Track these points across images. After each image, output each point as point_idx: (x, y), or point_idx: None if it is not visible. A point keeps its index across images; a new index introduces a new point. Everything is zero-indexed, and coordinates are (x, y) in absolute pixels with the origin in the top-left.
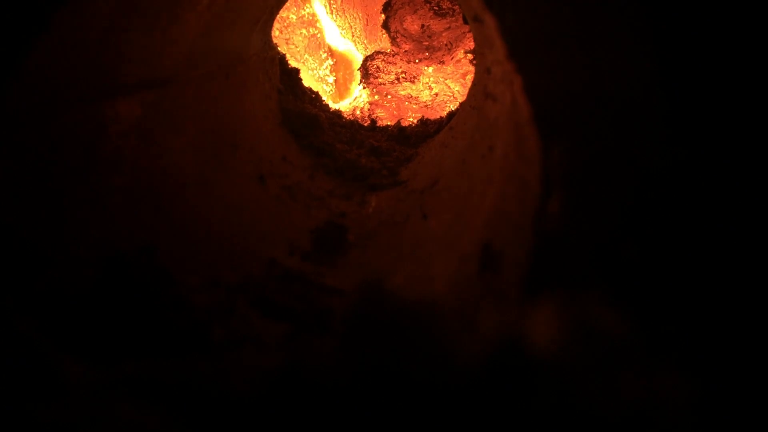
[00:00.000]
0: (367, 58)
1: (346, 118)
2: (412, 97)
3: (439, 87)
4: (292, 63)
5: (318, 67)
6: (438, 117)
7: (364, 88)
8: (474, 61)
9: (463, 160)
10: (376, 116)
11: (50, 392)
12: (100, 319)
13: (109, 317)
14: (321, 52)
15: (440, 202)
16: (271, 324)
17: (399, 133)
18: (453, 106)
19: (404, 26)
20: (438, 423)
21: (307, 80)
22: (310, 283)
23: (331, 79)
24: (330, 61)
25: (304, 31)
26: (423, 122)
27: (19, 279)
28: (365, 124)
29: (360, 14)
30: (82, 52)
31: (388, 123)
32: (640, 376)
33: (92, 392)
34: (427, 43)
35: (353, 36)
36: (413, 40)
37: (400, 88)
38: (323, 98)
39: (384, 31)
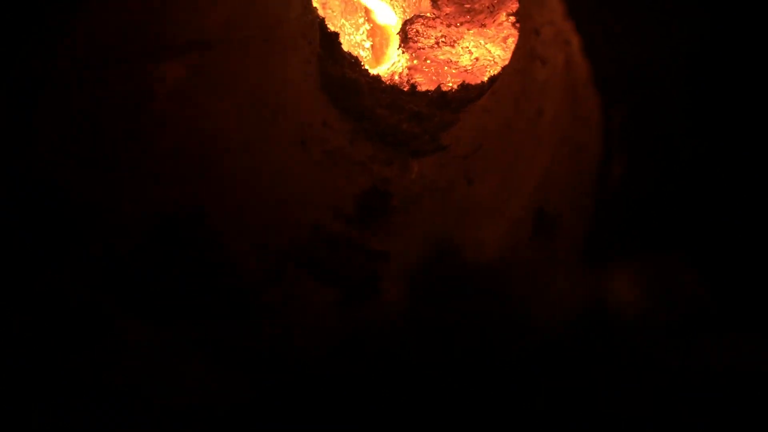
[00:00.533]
0: (407, 22)
1: (385, 83)
2: (451, 61)
3: (480, 51)
4: (331, 27)
5: (354, 32)
6: (479, 82)
7: (403, 52)
8: (517, 24)
9: (507, 124)
10: (415, 81)
11: (118, 353)
12: (156, 282)
13: (164, 280)
14: (358, 17)
15: (485, 167)
16: (321, 288)
17: (440, 98)
18: (494, 71)
19: None
20: (522, 385)
21: (344, 46)
22: (356, 246)
23: (367, 44)
24: (367, 26)
25: None
26: (464, 87)
27: (75, 243)
28: (405, 89)
29: None
30: (127, 14)
31: (428, 89)
32: (723, 339)
33: (158, 352)
34: (468, 6)
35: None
36: (454, 3)
37: (439, 52)
38: (362, 63)
39: None
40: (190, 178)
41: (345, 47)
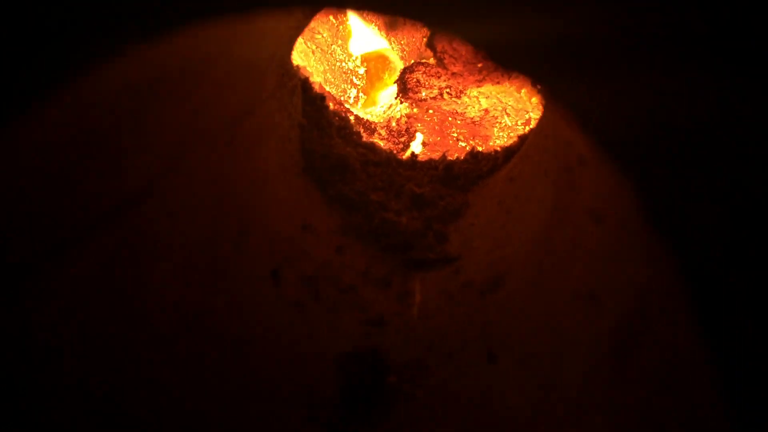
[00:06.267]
0: (406, 71)
1: (380, 150)
2: (457, 113)
3: (489, 102)
4: (316, 79)
5: (347, 59)
6: (491, 150)
7: (401, 102)
8: (541, 88)
9: (539, 263)
10: (415, 130)
11: None
12: None
13: None
14: (350, 42)
15: (511, 336)
16: None
17: (445, 172)
18: (504, 122)
19: (454, 46)
20: None
21: (336, 72)
22: None
23: (361, 70)
24: (361, 51)
25: (331, 18)
26: (473, 156)
27: None
28: (403, 158)
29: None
30: None
31: (431, 154)
32: None
33: None
34: (481, 65)
35: (387, 34)
36: (463, 62)
37: (443, 103)
38: (353, 111)
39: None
40: None
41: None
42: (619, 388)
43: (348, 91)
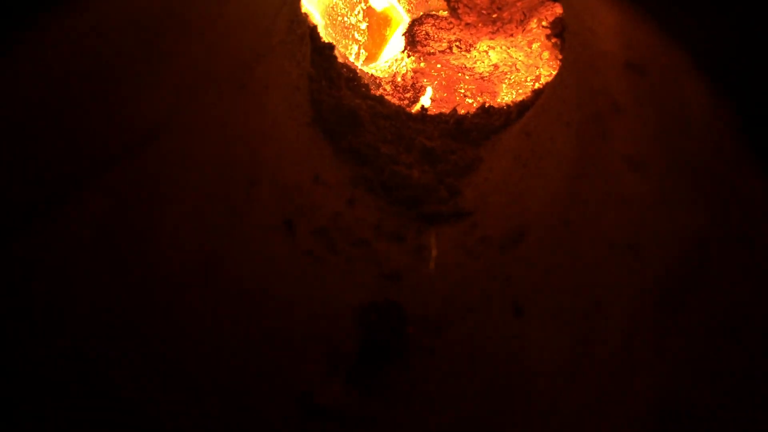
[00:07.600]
0: (415, 23)
1: (389, 104)
2: (465, 67)
3: (500, 56)
4: (322, 32)
5: (349, 13)
6: (503, 105)
7: (408, 56)
8: (557, 42)
9: (563, 216)
10: (421, 85)
11: None
12: None
13: None
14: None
15: (539, 289)
16: None
17: (456, 126)
18: (514, 78)
19: None
20: None
21: (338, 27)
22: None
23: (363, 25)
24: (362, 5)
25: None
26: (485, 110)
27: None
28: (412, 112)
29: None
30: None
31: (441, 108)
32: None
33: None
34: (496, 15)
35: None
36: (477, 12)
37: (452, 57)
38: (357, 65)
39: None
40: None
41: (336, 31)
42: (669, 341)
43: (349, 47)
